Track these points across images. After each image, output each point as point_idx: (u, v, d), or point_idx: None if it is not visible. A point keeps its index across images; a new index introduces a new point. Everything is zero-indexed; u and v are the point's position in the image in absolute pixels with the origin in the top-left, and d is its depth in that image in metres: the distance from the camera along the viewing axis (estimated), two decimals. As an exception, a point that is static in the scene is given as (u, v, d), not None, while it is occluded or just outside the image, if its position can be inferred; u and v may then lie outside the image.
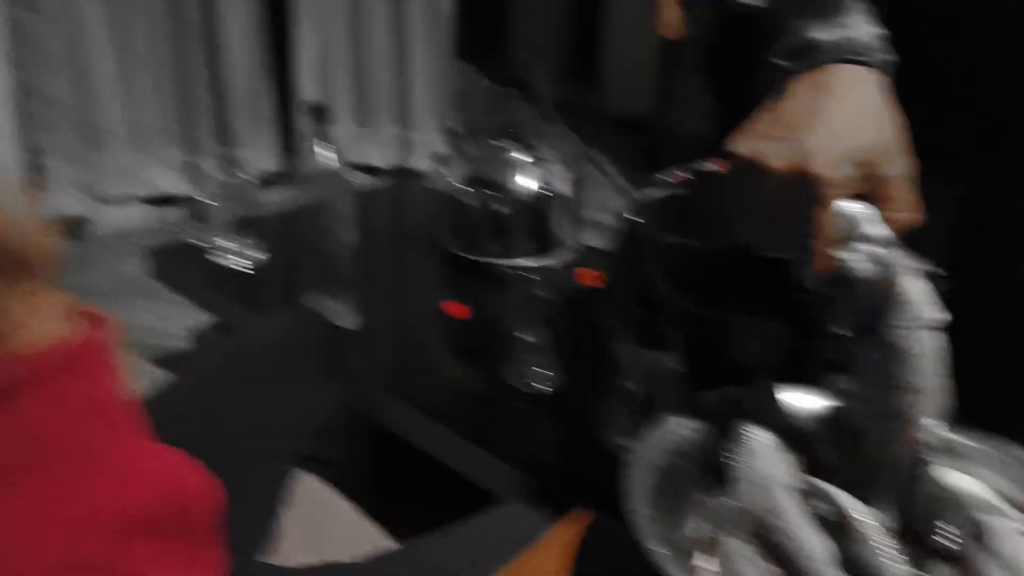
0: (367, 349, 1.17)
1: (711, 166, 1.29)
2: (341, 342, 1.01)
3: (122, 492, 0.28)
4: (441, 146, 3.04)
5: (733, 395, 0.69)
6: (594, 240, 1.52)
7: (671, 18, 2.85)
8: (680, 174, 1.26)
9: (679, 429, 0.63)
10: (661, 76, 3.20)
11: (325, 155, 1.09)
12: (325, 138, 1.08)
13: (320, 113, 1.07)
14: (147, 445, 0.30)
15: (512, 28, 4.96)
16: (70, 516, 0.27)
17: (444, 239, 1.45)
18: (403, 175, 2.90)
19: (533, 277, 1.13)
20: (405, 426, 1.06)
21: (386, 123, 2.92)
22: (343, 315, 1.17)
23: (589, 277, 1.37)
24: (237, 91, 2.39)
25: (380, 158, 2.88)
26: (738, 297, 1.15)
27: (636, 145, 3.70)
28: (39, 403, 0.26)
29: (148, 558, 0.28)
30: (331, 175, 1.12)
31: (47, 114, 1.99)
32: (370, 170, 2.85)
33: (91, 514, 0.27)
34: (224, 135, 2.43)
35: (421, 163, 2.97)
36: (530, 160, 1.38)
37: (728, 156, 0.76)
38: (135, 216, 2.31)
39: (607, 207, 1.56)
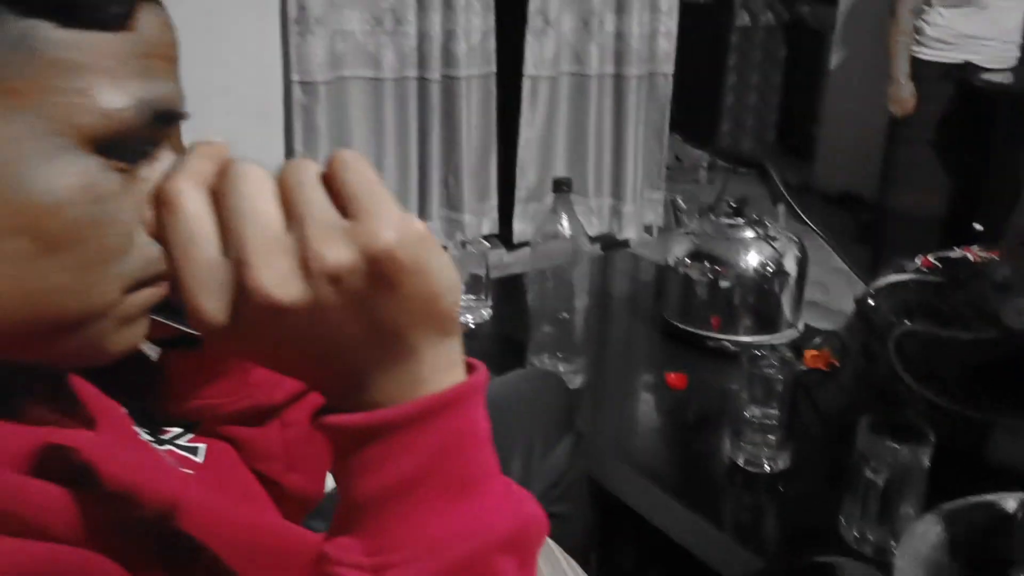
0: (593, 411, 1.22)
1: (965, 253, 1.23)
2: (572, 402, 1.07)
3: (495, 513, 0.34)
4: (653, 217, 3.09)
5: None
6: (820, 320, 1.49)
7: (904, 93, 2.74)
8: (926, 259, 1.21)
9: (940, 527, 0.61)
10: (886, 152, 3.06)
11: (565, 225, 1.17)
12: (566, 209, 1.16)
13: (563, 186, 1.15)
14: (504, 477, 0.36)
15: (729, 102, 4.97)
16: (456, 529, 0.33)
17: (665, 310, 1.48)
18: (614, 244, 2.98)
19: (756, 354, 1.13)
20: (627, 489, 1.09)
21: (599, 193, 3.03)
22: (571, 377, 1.23)
23: (816, 358, 1.34)
24: (467, 162, 2.60)
25: (592, 227, 2.99)
26: (1004, 394, 1.07)
27: (856, 222, 3.55)
28: (443, 432, 0.33)
29: (508, 572, 0.34)
30: (569, 243, 1.20)
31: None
32: (590, 238, 2.96)
33: (468, 528, 0.33)
34: (453, 201, 2.64)
35: (631, 233, 3.04)
36: (755, 236, 1.39)
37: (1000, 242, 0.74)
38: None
39: (835, 288, 1.52)
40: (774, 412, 1.08)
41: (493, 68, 2.62)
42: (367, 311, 0.31)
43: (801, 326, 1.42)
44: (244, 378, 0.56)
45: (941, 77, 2.68)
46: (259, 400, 0.57)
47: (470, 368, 0.36)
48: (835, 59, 4.00)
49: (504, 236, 2.85)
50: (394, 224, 0.30)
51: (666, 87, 2.99)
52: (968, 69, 2.66)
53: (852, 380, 1.22)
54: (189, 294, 0.30)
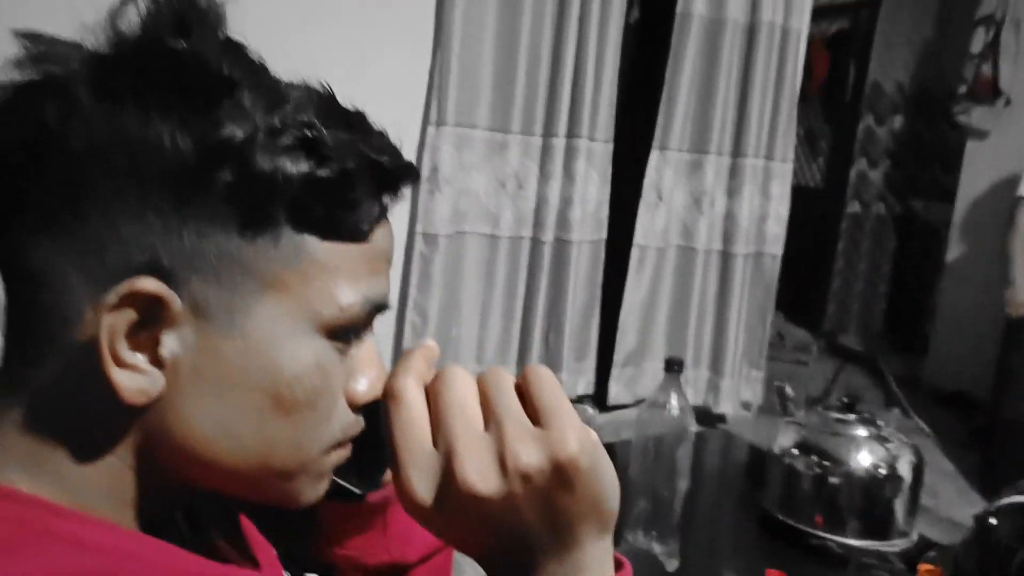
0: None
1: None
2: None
3: None
4: (751, 395, 3.03)
5: None
6: (932, 530, 1.40)
7: (1020, 297, 2.67)
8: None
9: None
10: (1001, 355, 2.95)
11: (674, 403, 1.18)
12: (676, 388, 1.17)
13: (675, 366, 1.17)
14: None
15: (836, 286, 4.93)
16: None
17: (765, 500, 1.43)
18: (709, 418, 2.93)
19: (866, 562, 1.07)
20: None
21: (697, 365, 3.01)
22: (666, 559, 1.20)
23: (930, 573, 1.26)
24: (570, 322, 2.66)
25: (693, 400, 2.95)
26: None
27: (966, 425, 3.36)
28: None
29: None
30: (675, 420, 1.20)
31: (419, 327, 2.37)
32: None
33: None
34: (552, 358, 2.68)
35: (727, 408, 2.98)
36: (868, 435, 1.35)
37: None
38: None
39: (944, 494, 1.44)
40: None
41: (603, 235, 2.72)
42: (547, 505, 0.36)
43: (915, 536, 1.34)
44: (384, 531, 0.60)
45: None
46: (395, 556, 0.60)
47: (618, 564, 0.39)
48: (952, 254, 3.95)
49: (598, 397, 2.85)
50: (577, 435, 0.35)
51: (773, 267, 3.02)
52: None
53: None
54: (403, 473, 0.36)
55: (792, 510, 1.37)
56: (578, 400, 2.81)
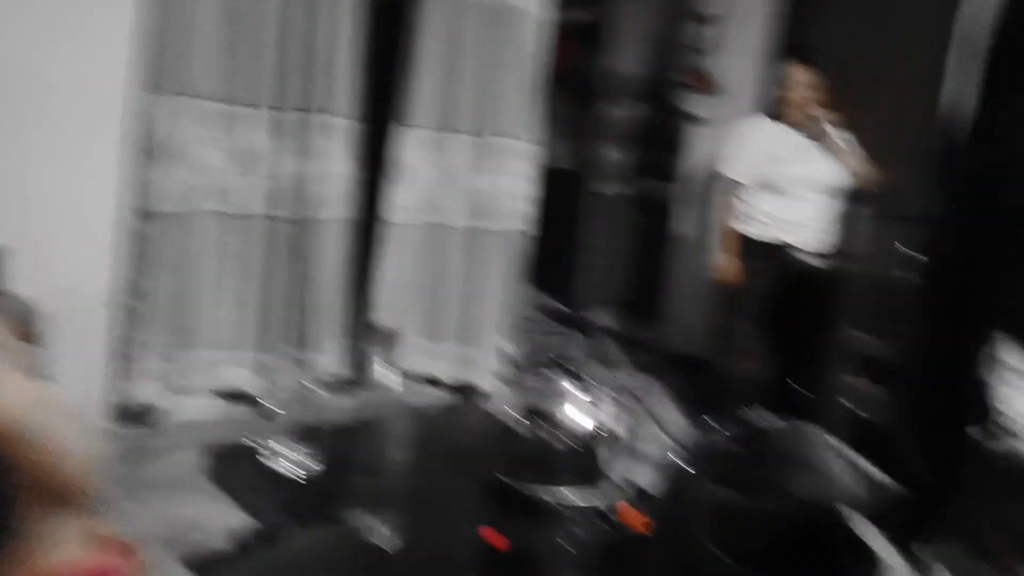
0: (402, 573, 1.17)
1: (761, 419, 1.31)
2: (376, 565, 1.02)
3: None
4: (503, 369, 3.13)
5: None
6: (645, 481, 1.53)
7: (727, 266, 3.00)
8: (733, 425, 1.29)
9: None
10: (716, 319, 3.30)
11: (387, 377, 1.16)
12: (389, 361, 1.16)
13: (388, 337, 1.16)
14: None
15: (584, 262, 5.25)
16: None
17: (493, 465, 1.47)
18: (464, 391, 2.98)
19: (579, 513, 1.13)
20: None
21: (453, 340, 3.05)
22: (384, 535, 1.19)
23: (636, 520, 1.36)
24: (318, 301, 2.57)
25: (445, 372, 2.99)
26: (790, 561, 1.12)
27: (696, 385, 3.74)
28: None
29: None
30: (389, 396, 1.19)
31: (146, 312, 2.17)
32: (434, 382, 2.95)
33: None
34: (300, 340, 2.58)
35: (483, 381, 3.06)
36: (584, 396, 1.44)
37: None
38: (204, 409, 2.42)
39: (660, 450, 1.58)
40: (586, 572, 1.07)
41: (349, 212, 2.66)
42: None
43: (626, 486, 1.45)
44: None
45: (763, 255, 2.96)
46: None
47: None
48: (677, 229, 4.36)
49: (347, 380, 2.79)
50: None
51: (522, 243, 3.13)
52: (786, 250, 2.96)
53: (664, 541, 1.24)
54: None
55: (517, 472, 1.43)
56: (333, 382, 2.73)
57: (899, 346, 2.13)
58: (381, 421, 1.18)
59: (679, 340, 4.21)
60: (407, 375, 1.13)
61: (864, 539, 1.10)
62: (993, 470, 1.62)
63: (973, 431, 0.70)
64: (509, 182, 3.03)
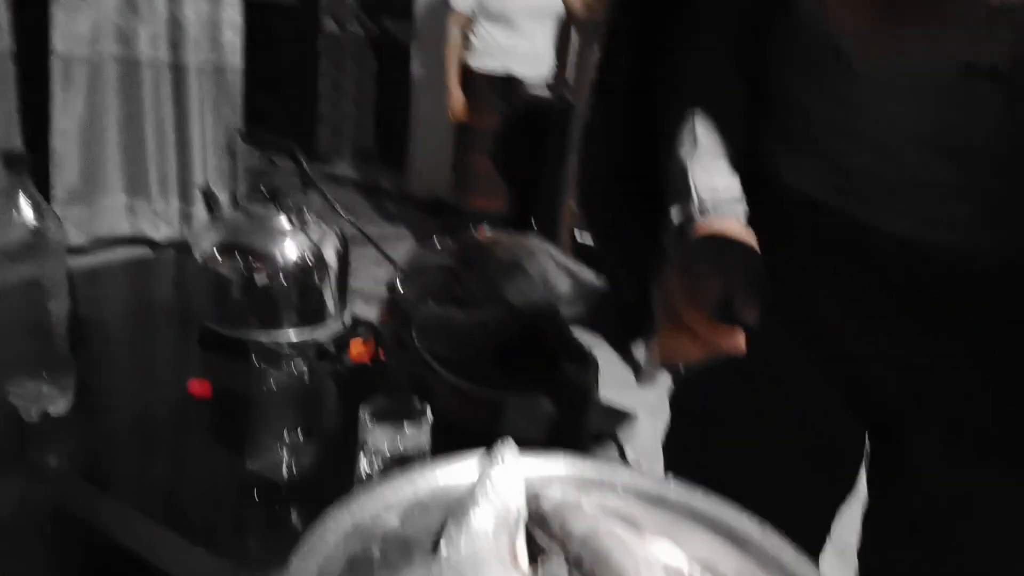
0: (78, 438, 1.01)
1: (480, 236, 1.27)
2: (36, 433, 0.85)
3: None
4: (213, 212, 2.86)
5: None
6: (368, 312, 1.45)
7: (455, 102, 2.93)
8: (449, 242, 1.22)
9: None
10: (454, 159, 3.26)
11: (26, 213, 0.94)
12: (26, 192, 0.93)
13: (17, 163, 0.92)
14: None
15: (324, 109, 4.90)
16: None
17: (200, 314, 1.31)
18: (169, 245, 2.69)
19: (294, 353, 1.03)
20: (119, 527, 0.90)
21: (165, 195, 2.72)
22: (54, 400, 1.00)
23: (360, 351, 1.28)
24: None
25: (157, 231, 2.67)
26: (513, 372, 1.11)
27: (439, 226, 3.72)
28: None
29: None
30: (33, 236, 0.96)
31: None
32: (149, 243, 2.64)
33: None
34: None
35: (187, 232, 2.78)
36: (291, 226, 1.29)
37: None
38: None
39: (381, 280, 1.49)
40: (299, 414, 0.98)
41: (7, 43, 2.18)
42: None
43: (347, 318, 1.36)
44: None
45: (492, 89, 2.91)
46: None
47: None
48: (416, 70, 4.17)
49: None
50: None
51: (235, 80, 2.79)
52: (513, 83, 2.92)
53: (388, 368, 1.18)
54: None
55: (226, 317, 1.28)
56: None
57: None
58: (33, 277, 0.97)
59: (428, 186, 4.14)
60: (55, 227, 0.92)
61: (580, 341, 1.11)
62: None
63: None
64: (210, 9, 2.65)
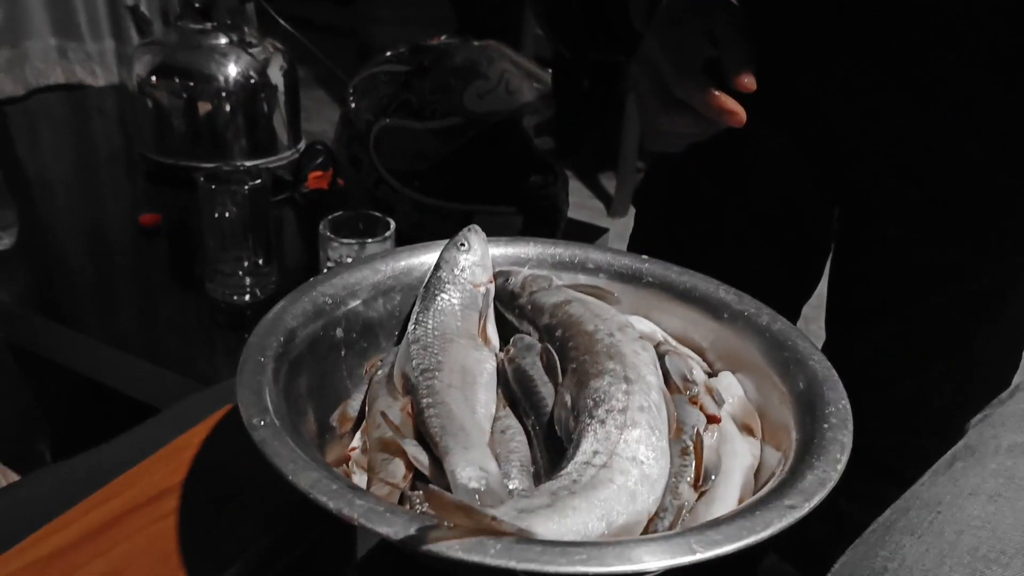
0: (27, 273, 0.96)
1: (435, 41, 1.18)
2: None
3: None
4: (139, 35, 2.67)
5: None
6: (318, 137, 1.38)
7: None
8: (401, 51, 1.14)
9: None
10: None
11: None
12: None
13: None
14: None
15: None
16: None
17: (142, 145, 1.23)
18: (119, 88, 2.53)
19: (247, 178, 0.97)
20: (79, 358, 0.88)
21: (97, 37, 2.52)
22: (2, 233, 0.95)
23: (319, 178, 1.23)
24: None
25: (94, 76, 2.50)
26: (476, 181, 1.07)
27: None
28: None
29: None
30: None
31: None
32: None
33: None
34: None
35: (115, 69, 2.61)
36: (232, 45, 1.20)
37: None
38: None
39: (333, 119, 1.42)
40: (257, 238, 0.94)
41: None
42: None
43: (302, 144, 1.29)
44: None
45: None
46: None
47: None
48: None
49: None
50: None
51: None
52: None
53: (348, 190, 1.14)
54: None
55: (169, 147, 1.21)
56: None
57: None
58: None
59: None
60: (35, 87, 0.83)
61: (539, 148, 1.06)
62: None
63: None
64: None
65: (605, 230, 1.23)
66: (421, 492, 0.37)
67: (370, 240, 0.83)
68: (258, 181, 0.94)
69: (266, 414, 0.37)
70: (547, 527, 0.33)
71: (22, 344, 0.88)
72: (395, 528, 0.31)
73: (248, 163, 1.21)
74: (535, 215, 1.04)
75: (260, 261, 0.95)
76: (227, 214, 0.93)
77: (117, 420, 0.93)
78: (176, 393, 0.83)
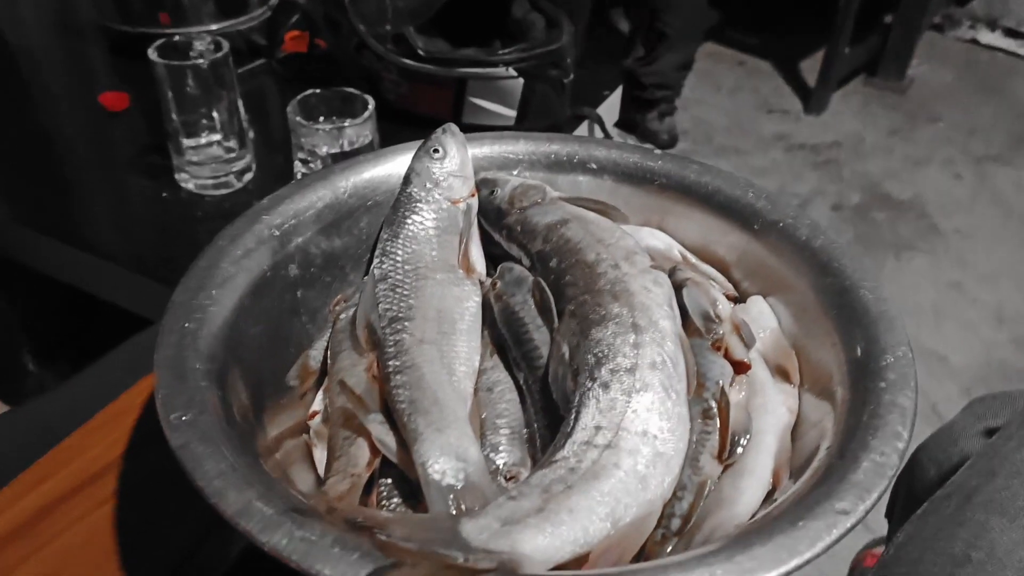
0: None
1: None
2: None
3: None
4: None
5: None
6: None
7: None
8: None
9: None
10: None
11: None
12: None
13: None
14: None
15: None
16: None
17: (100, 13, 1.11)
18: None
19: (217, 45, 0.85)
20: (41, 258, 0.81)
21: None
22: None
23: (296, 40, 1.11)
24: None
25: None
26: (465, 38, 0.95)
27: None
28: None
29: None
30: None
31: None
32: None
33: None
34: None
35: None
36: None
37: None
38: None
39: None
40: (229, 114, 0.84)
41: None
42: None
43: (274, 3, 1.15)
44: None
45: None
46: None
47: None
48: None
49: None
50: None
51: None
52: None
53: (331, 57, 1.02)
54: None
55: (131, 14, 1.08)
56: None
57: None
58: None
59: None
60: None
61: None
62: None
63: None
64: None
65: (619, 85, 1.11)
66: (385, 484, 0.31)
67: (348, 123, 0.73)
68: (221, 53, 0.83)
69: (190, 406, 0.30)
70: (537, 543, 0.27)
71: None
72: (340, 570, 0.24)
73: (215, 26, 1.08)
74: (538, 76, 0.92)
75: (232, 145, 0.85)
76: (187, 92, 0.83)
77: (101, 326, 0.88)
78: (158, 300, 0.77)
